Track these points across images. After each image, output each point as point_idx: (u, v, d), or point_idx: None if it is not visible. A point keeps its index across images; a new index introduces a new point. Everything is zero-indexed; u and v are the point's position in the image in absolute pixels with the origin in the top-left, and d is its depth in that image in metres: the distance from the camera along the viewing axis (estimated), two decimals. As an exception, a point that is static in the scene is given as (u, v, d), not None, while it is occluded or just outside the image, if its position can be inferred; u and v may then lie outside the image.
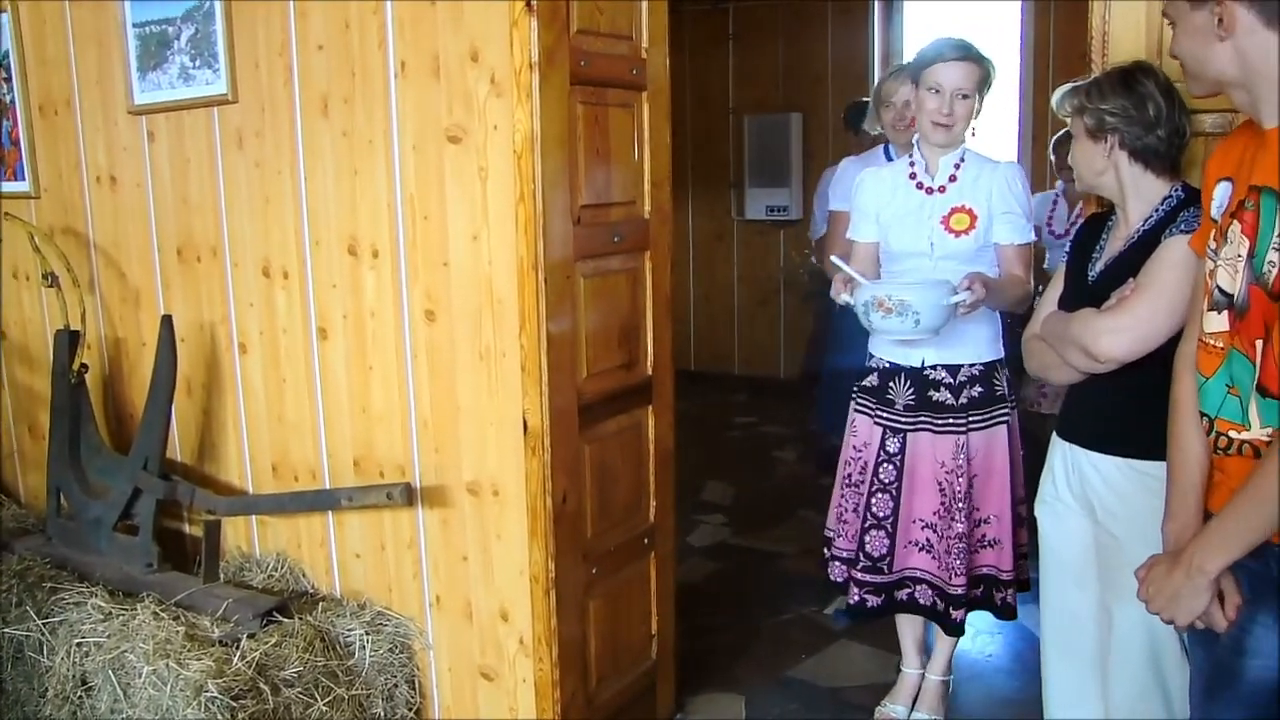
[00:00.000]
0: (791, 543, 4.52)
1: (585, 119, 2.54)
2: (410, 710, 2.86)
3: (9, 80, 3.58)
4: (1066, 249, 2.37)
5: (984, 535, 2.79)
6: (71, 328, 3.35)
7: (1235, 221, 1.61)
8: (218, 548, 3.03)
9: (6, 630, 2.90)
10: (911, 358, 2.78)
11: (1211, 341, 1.67)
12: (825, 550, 3.01)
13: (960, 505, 2.72)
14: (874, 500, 2.83)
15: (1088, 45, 2.37)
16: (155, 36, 3.09)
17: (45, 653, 2.84)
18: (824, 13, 6.89)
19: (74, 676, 2.76)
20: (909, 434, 2.78)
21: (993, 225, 2.71)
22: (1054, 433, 2.34)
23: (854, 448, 2.91)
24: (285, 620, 2.78)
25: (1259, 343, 1.57)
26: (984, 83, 2.69)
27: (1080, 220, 4.32)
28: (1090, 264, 2.22)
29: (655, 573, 2.97)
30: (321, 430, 3.00)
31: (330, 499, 2.91)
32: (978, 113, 2.70)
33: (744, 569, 4.29)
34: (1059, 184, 4.58)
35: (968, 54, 2.64)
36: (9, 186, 3.68)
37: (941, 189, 2.75)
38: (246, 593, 2.94)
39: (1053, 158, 4.58)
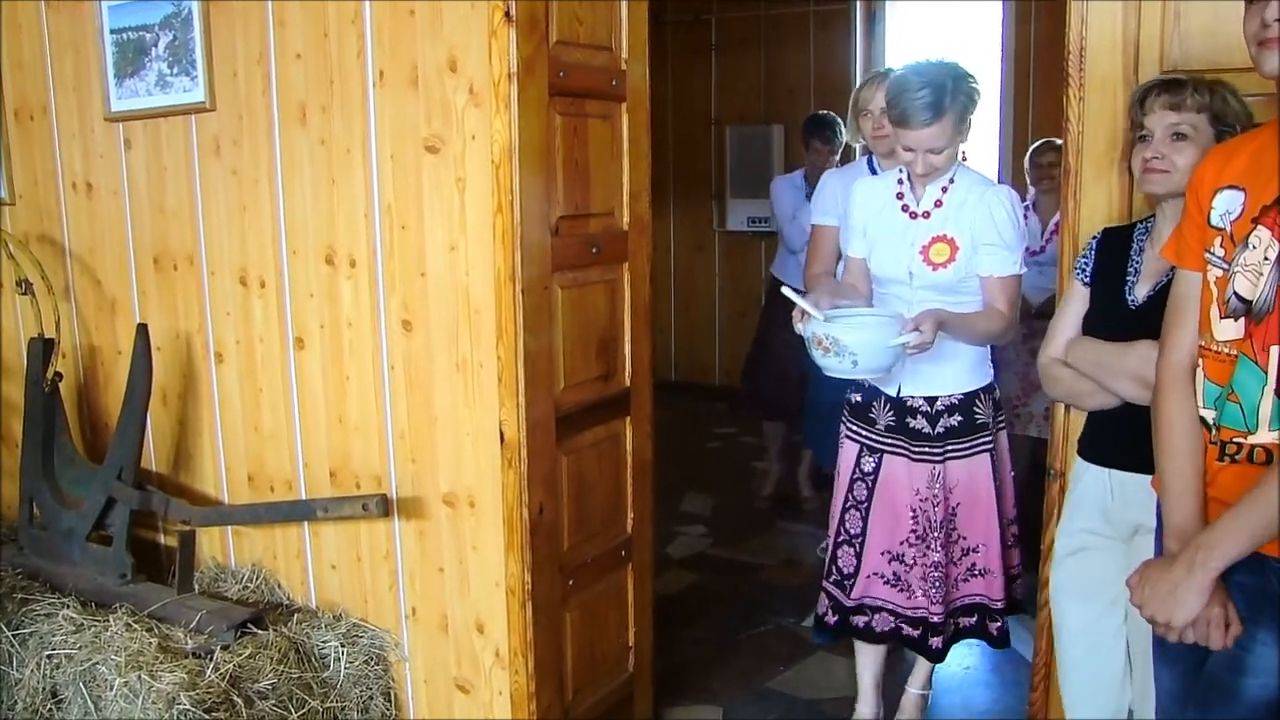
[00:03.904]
0: (771, 554, 4.52)
1: (564, 130, 2.54)
2: (385, 723, 2.84)
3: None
4: (1079, 268, 2.22)
5: (972, 564, 2.74)
6: (46, 336, 3.32)
7: (1258, 226, 1.60)
8: (192, 559, 3.00)
9: (-24, 642, 2.87)
10: (889, 386, 2.72)
11: (1226, 350, 1.65)
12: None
13: (936, 534, 2.67)
14: (846, 517, 2.80)
15: (1065, 60, 2.37)
16: (133, 43, 3.07)
17: (15, 664, 2.81)
18: (806, 24, 6.92)
19: (44, 689, 2.73)
20: (885, 455, 2.74)
21: (975, 256, 2.61)
22: (1079, 460, 2.25)
23: (843, 459, 2.87)
24: (260, 632, 2.76)
25: (1274, 349, 1.56)
26: (964, 119, 2.55)
27: (1055, 233, 4.34)
28: (1126, 286, 2.13)
29: (633, 584, 2.96)
30: (298, 441, 2.98)
31: (306, 510, 2.89)
32: (968, 129, 2.59)
33: (723, 580, 4.28)
34: (1030, 195, 4.56)
35: (937, 115, 2.48)
36: (-17, 193, 3.65)
37: (926, 214, 2.65)
38: (221, 604, 2.92)
39: (1030, 167, 4.56)
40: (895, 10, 6.78)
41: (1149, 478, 1.93)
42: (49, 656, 2.75)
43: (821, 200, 3.51)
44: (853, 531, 2.78)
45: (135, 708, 2.48)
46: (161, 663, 2.57)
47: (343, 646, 2.78)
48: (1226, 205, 1.67)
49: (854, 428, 2.82)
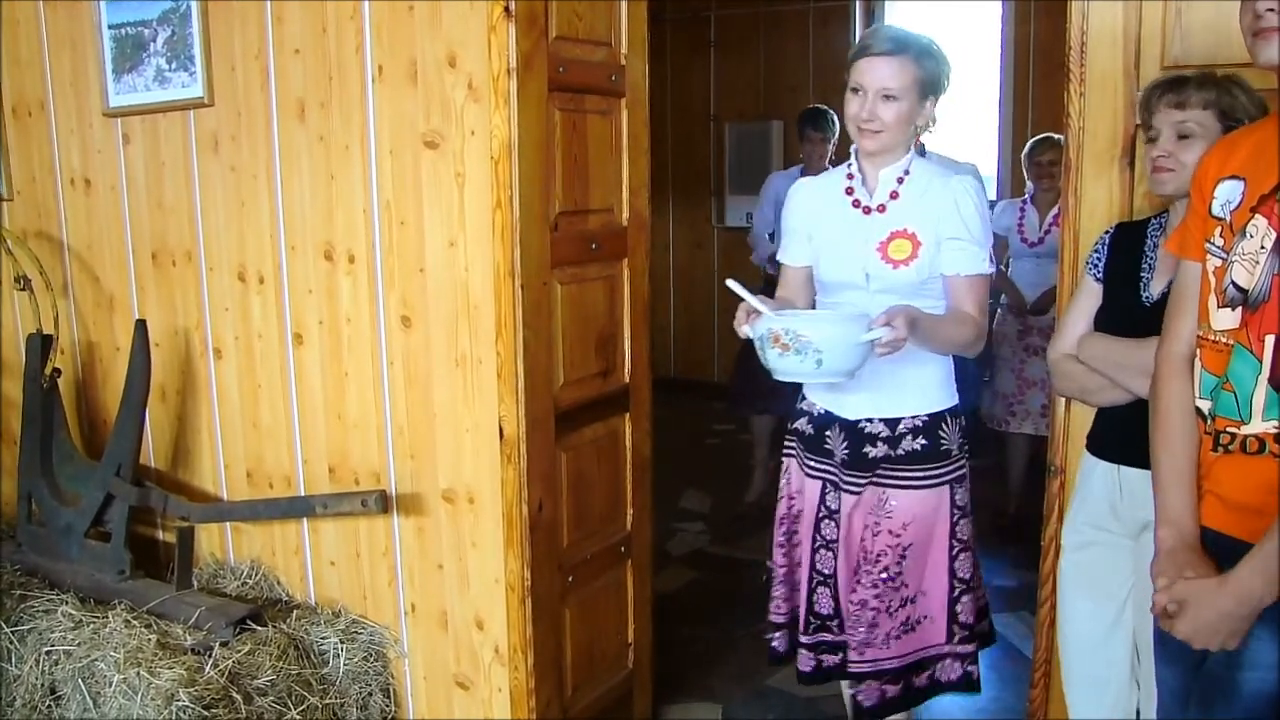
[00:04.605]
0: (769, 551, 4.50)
1: (563, 125, 2.53)
2: (385, 719, 2.84)
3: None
4: (1091, 263, 2.22)
5: (908, 616, 2.35)
6: (44, 332, 3.31)
7: (1256, 215, 1.60)
8: (191, 555, 3.00)
9: (-26, 638, 2.86)
10: (844, 407, 2.36)
11: (1223, 339, 1.65)
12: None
13: (869, 568, 2.31)
14: (818, 558, 2.43)
15: (1066, 56, 2.37)
16: (131, 39, 3.06)
17: (14, 661, 2.81)
18: (805, 21, 6.92)
19: (43, 685, 2.73)
20: (843, 495, 2.38)
21: (939, 254, 2.27)
22: (1088, 455, 2.24)
23: (789, 496, 2.52)
24: (259, 628, 2.75)
25: (1269, 338, 1.56)
26: (926, 84, 2.25)
27: (1054, 224, 4.35)
28: (1140, 283, 2.11)
29: (632, 581, 2.96)
30: (296, 437, 2.98)
31: (305, 506, 2.89)
32: (932, 122, 2.33)
33: (722, 577, 4.28)
34: (1028, 189, 4.59)
35: (897, 48, 2.20)
36: (-19, 189, 3.65)
37: (881, 208, 2.31)
38: (220, 600, 2.92)
39: (1029, 165, 4.58)
40: (895, 8, 6.78)
41: None
42: (48, 653, 2.75)
43: None
44: (826, 571, 2.43)
45: (134, 704, 2.48)
46: (160, 659, 2.56)
47: (342, 643, 2.78)
48: (1227, 195, 1.67)
49: (813, 462, 2.45)
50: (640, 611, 3.01)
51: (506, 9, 2.34)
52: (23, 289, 3.33)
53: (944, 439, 2.33)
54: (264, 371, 3.02)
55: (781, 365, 2.06)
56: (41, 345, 3.30)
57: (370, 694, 2.81)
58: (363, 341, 2.77)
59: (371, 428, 2.80)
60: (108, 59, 3.13)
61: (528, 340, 2.48)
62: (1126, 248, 2.17)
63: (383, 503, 2.69)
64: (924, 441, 2.32)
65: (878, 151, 2.29)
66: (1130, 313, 2.11)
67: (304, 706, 2.60)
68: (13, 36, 3.43)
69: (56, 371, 3.33)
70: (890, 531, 2.30)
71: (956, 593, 2.35)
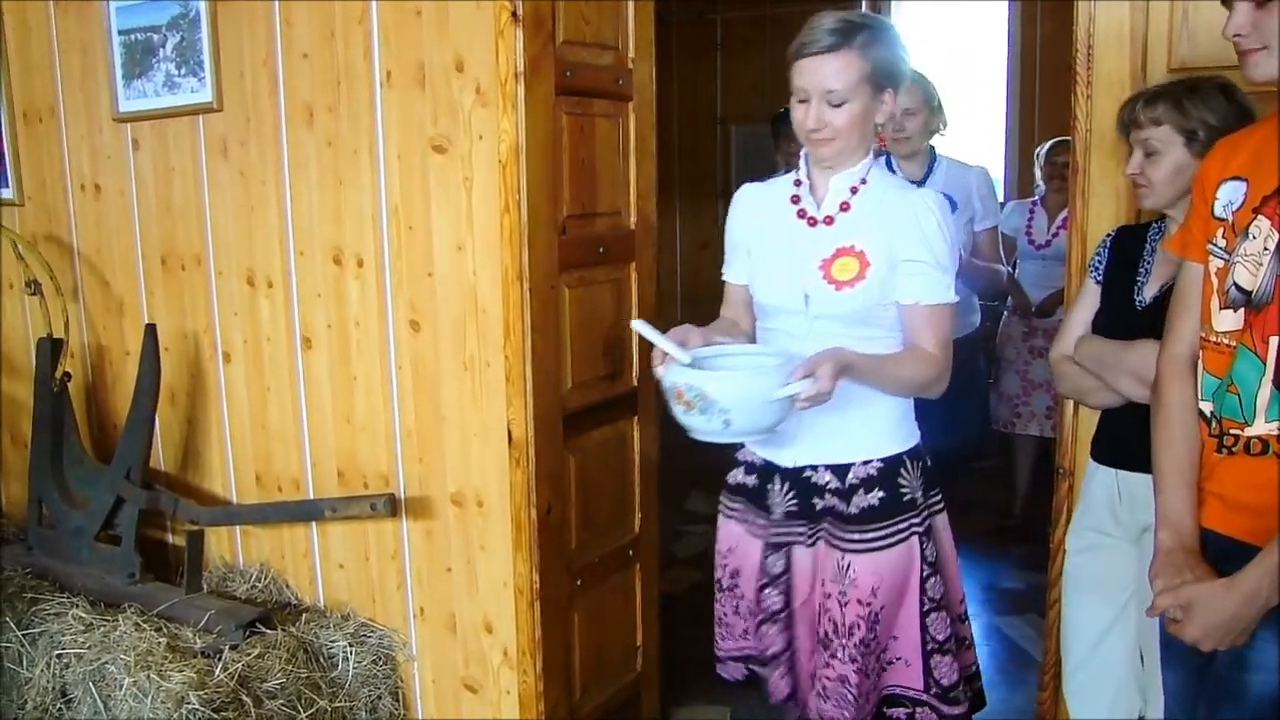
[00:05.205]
0: (777, 553, 4.50)
1: (570, 129, 2.54)
2: (393, 722, 2.85)
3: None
4: (1093, 265, 2.21)
5: (889, 657, 2.11)
6: (54, 336, 3.32)
7: (1259, 216, 1.60)
8: (200, 558, 3.01)
9: (-14, 641, 2.87)
10: (782, 455, 2.09)
11: (1225, 341, 1.65)
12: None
13: (843, 641, 2.03)
14: (763, 631, 2.17)
15: (1073, 58, 2.37)
16: (140, 44, 3.08)
17: (25, 664, 2.82)
18: (811, 23, 6.91)
19: (54, 688, 2.73)
20: (791, 549, 2.12)
21: (894, 277, 1.97)
22: (1092, 461, 2.25)
23: (720, 552, 2.26)
24: (268, 631, 2.76)
25: (1274, 339, 1.56)
26: (878, 76, 1.94)
27: (1063, 226, 4.36)
28: (1136, 287, 2.12)
29: (639, 584, 2.97)
30: (305, 440, 2.99)
31: (314, 509, 2.90)
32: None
33: (730, 579, 4.27)
34: (1037, 191, 4.59)
35: (837, 43, 1.91)
36: (-8, 194, 3.66)
37: (828, 220, 2.02)
38: (229, 603, 2.92)
39: (1040, 165, 4.59)
40: (901, 10, 6.78)
41: None
42: (58, 656, 2.75)
43: None
44: (776, 650, 2.17)
45: (144, 707, 2.49)
46: (170, 662, 2.57)
47: (351, 646, 2.79)
48: (1229, 196, 1.68)
49: (752, 518, 2.18)
50: (648, 614, 3.01)
51: (513, 13, 2.34)
52: (33, 293, 3.34)
53: (904, 487, 2.04)
54: (273, 375, 3.03)
55: (689, 423, 1.83)
56: (52, 349, 3.31)
57: (379, 697, 2.81)
58: (371, 345, 2.78)
59: (380, 431, 2.80)
60: (117, 64, 3.14)
61: (535, 343, 2.49)
62: (1126, 251, 2.18)
63: (391, 506, 2.69)
64: (880, 494, 2.03)
65: (835, 157, 2.01)
66: (1124, 315, 2.12)
67: (313, 710, 2.61)
68: (23, 42, 3.45)
69: (67, 375, 3.34)
70: (859, 601, 2.02)
71: (929, 648, 2.08)
